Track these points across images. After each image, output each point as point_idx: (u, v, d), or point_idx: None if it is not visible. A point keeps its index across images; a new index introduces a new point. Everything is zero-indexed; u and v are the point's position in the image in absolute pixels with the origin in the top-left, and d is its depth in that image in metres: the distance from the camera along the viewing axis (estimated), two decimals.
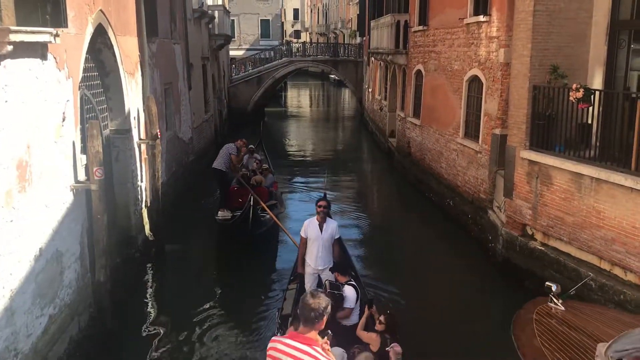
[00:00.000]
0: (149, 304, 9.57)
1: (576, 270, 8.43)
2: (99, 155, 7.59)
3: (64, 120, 7.15)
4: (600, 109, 8.70)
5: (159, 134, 11.40)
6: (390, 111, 22.61)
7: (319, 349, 3.71)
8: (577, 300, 7.28)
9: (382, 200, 17.83)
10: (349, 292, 6.83)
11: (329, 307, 3.86)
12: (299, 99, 54.05)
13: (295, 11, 77.16)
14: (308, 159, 23.72)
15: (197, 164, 17.76)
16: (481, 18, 12.00)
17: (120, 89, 9.94)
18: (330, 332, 4.61)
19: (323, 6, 69.74)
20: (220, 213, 12.00)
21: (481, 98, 12.30)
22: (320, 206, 7.85)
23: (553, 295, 6.81)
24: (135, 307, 9.23)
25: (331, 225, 7.86)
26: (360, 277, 8.71)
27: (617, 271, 7.87)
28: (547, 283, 7.07)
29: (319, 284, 7.64)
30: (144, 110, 11.28)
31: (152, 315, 9.13)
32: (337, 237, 7.94)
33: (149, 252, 11.12)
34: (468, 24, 12.87)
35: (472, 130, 13.05)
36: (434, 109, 15.68)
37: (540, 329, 6.40)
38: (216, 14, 23.33)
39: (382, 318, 6.27)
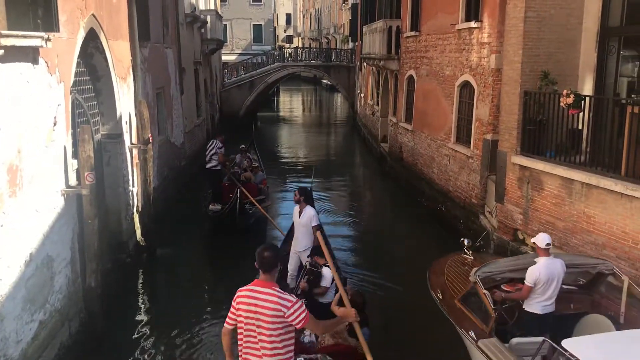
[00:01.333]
0: (140, 308, 9.52)
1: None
2: (90, 160, 7.56)
3: (55, 124, 7.12)
4: (591, 114, 8.77)
5: (150, 138, 11.38)
6: (382, 116, 22.66)
7: (278, 290, 4.60)
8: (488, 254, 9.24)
9: (374, 204, 17.85)
10: (326, 272, 7.54)
11: (278, 257, 4.76)
12: (292, 104, 54.07)
13: (288, 16, 77.26)
14: (300, 163, 23.71)
15: (189, 169, 17.73)
16: (472, 24, 12.08)
17: (111, 93, 9.91)
18: None
19: (315, 11, 69.89)
20: (211, 206, 12.84)
21: (472, 104, 12.36)
22: (294, 194, 8.90)
23: (465, 248, 8.54)
24: (126, 312, 9.17)
25: (308, 212, 8.65)
26: (339, 263, 9.62)
27: None
28: (461, 239, 8.85)
29: (301, 266, 8.51)
30: (135, 114, 11.25)
31: (143, 320, 9.08)
32: (314, 224, 8.58)
33: (140, 257, 11.07)
34: (460, 29, 12.94)
35: (463, 136, 13.10)
36: (426, 114, 15.74)
37: (449, 271, 8.15)
38: (208, 18, 23.30)
39: (350, 293, 6.94)
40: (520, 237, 9.76)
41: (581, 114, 8.79)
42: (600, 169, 8.12)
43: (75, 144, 7.99)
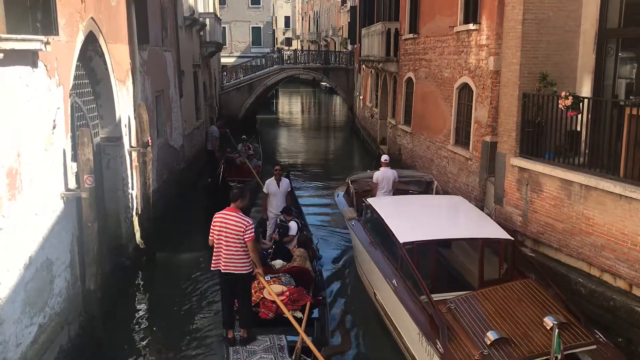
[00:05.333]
0: (140, 312, 9.52)
1: (566, 276, 8.47)
2: (89, 163, 7.57)
3: (54, 128, 7.13)
4: (589, 116, 8.79)
5: (150, 141, 11.38)
6: (381, 118, 22.67)
7: (241, 214, 7.10)
8: None
9: None
10: (292, 225, 10.46)
11: (244, 194, 7.37)
12: (290, 106, 54.09)
13: (287, 19, 77.33)
14: (298, 164, 23.72)
15: (189, 171, 17.72)
16: (471, 26, 12.10)
17: (111, 96, 9.92)
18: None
19: (314, 14, 69.98)
20: (210, 180, 16.00)
21: (471, 106, 12.37)
22: (275, 170, 11.70)
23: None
24: (125, 316, 9.17)
25: (284, 182, 11.49)
26: (307, 221, 12.61)
27: (607, 277, 7.91)
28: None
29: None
30: (135, 117, 11.26)
31: (143, 323, 9.08)
32: (289, 190, 11.56)
33: (139, 260, 11.07)
34: (458, 32, 12.96)
35: (462, 138, 13.12)
36: (425, 116, 15.75)
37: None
38: (207, 21, 23.32)
39: (299, 235, 10.09)
40: (520, 238, 9.76)
41: (580, 115, 8.80)
42: (599, 171, 8.13)
43: (74, 147, 8.00)
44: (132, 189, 10.99)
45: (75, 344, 7.40)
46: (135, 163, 11.14)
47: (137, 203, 11.24)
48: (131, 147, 10.97)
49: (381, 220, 8.72)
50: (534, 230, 9.34)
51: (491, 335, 6.22)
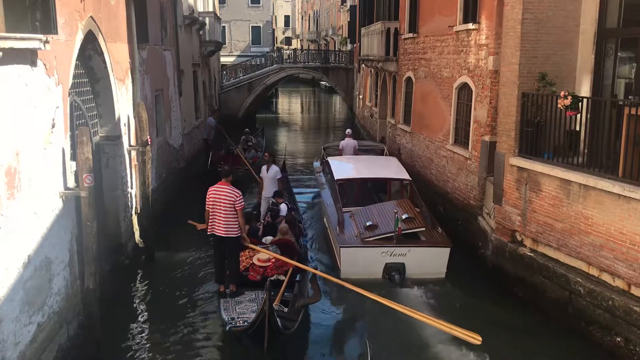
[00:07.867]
0: (139, 311, 9.51)
1: (565, 276, 8.48)
2: (88, 162, 7.56)
3: (53, 126, 7.12)
4: (588, 116, 8.79)
5: (149, 140, 11.37)
6: (380, 118, 22.67)
7: (231, 186, 8.57)
8: None
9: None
10: (283, 207, 11.69)
11: (232, 170, 8.90)
12: (290, 106, 54.06)
13: (287, 18, 77.29)
14: (298, 164, 23.71)
15: (188, 171, 17.72)
16: (470, 26, 12.10)
17: (110, 95, 9.92)
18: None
19: (314, 13, 69.94)
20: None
21: (471, 105, 12.36)
22: (264, 156, 13.97)
23: None
24: (124, 315, 9.17)
25: (274, 168, 12.78)
26: (297, 204, 14.36)
27: (606, 277, 7.93)
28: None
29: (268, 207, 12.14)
30: (134, 116, 11.26)
31: (142, 322, 9.07)
32: (278, 177, 12.80)
33: (138, 259, 11.07)
34: (457, 31, 12.96)
35: (461, 137, 13.11)
36: (424, 116, 15.75)
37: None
38: (207, 20, 23.30)
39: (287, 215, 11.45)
40: (519, 238, 9.77)
41: (579, 115, 8.81)
42: (597, 170, 8.14)
43: (73, 146, 8.00)
44: (131, 188, 10.99)
45: (74, 343, 7.41)
46: (134, 162, 11.14)
47: (136, 202, 11.24)
48: (130, 146, 10.97)
49: (330, 168, 13.27)
50: (533, 230, 9.35)
51: (367, 223, 10.72)
